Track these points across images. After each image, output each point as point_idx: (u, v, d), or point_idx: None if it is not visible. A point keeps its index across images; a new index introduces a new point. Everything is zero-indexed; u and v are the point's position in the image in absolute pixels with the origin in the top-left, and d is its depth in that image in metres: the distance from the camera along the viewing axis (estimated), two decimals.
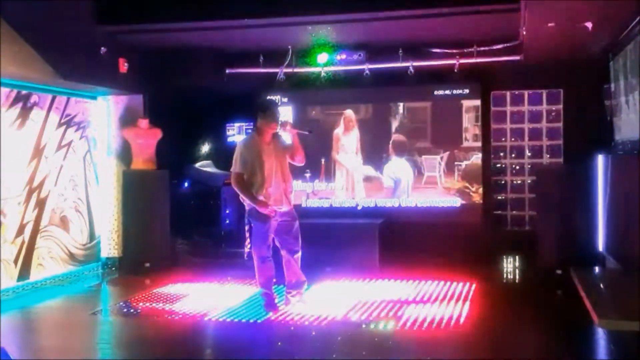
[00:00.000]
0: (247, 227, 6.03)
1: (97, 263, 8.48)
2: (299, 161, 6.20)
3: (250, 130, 9.78)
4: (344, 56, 8.29)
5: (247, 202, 6.02)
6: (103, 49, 7.51)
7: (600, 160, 7.35)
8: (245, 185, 5.93)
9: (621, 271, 6.12)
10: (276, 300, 6.23)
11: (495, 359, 4.94)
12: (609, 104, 7.51)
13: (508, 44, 7.71)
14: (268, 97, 6.32)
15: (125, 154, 8.56)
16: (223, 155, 9.94)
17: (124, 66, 7.92)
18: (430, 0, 6.67)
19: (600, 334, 5.17)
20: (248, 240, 6.07)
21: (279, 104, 6.19)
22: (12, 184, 7.14)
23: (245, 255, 6.17)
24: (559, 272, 7.09)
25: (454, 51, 8.12)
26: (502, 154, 8.80)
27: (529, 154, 8.74)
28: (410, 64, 8.19)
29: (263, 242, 6.03)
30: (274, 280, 6.24)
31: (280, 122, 6.13)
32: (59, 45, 6.80)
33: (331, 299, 6.56)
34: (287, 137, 6.25)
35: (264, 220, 5.96)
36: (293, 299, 6.25)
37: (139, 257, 8.25)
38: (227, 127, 10.01)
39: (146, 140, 8.44)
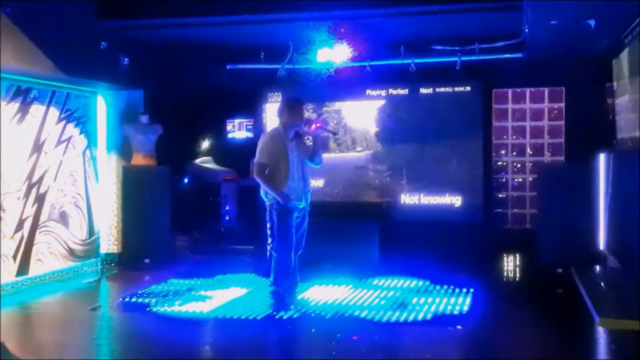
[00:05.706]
0: (268, 225, 5.98)
1: (96, 259, 8.45)
2: (317, 162, 6.17)
3: (251, 127, 9.86)
4: (345, 52, 8.26)
5: (269, 197, 5.96)
6: (103, 44, 7.49)
7: (602, 158, 7.31)
8: (268, 176, 5.90)
9: (622, 270, 6.10)
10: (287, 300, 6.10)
11: (495, 358, 4.93)
12: (611, 102, 7.48)
13: (510, 42, 7.68)
14: (294, 96, 6.30)
15: (125, 149, 8.54)
16: (223, 152, 9.96)
17: (123, 62, 7.90)
18: None
19: (601, 333, 5.16)
20: (270, 238, 6.01)
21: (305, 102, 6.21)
22: (11, 179, 7.12)
23: (268, 254, 6.10)
24: (559, 270, 7.07)
25: (456, 48, 8.10)
26: (503, 152, 8.78)
27: (531, 152, 8.72)
28: (412, 61, 8.17)
29: (288, 236, 5.97)
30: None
31: (304, 120, 6.12)
32: (60, 40, 6.77)
33: (331, 297, 6.54)
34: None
35: (288, 213, 5.93)
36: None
37: (138, 253, 8.24)
38: (228, 123, 10.01)
39: (146, 135, 8.43)
